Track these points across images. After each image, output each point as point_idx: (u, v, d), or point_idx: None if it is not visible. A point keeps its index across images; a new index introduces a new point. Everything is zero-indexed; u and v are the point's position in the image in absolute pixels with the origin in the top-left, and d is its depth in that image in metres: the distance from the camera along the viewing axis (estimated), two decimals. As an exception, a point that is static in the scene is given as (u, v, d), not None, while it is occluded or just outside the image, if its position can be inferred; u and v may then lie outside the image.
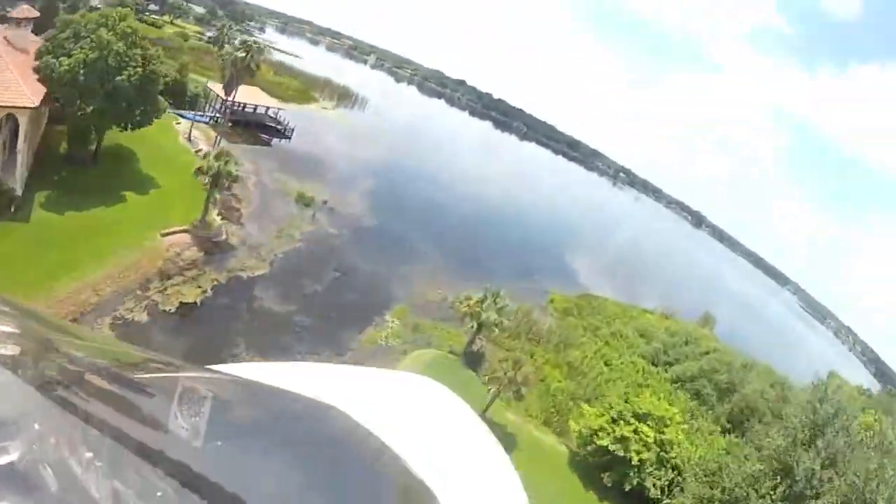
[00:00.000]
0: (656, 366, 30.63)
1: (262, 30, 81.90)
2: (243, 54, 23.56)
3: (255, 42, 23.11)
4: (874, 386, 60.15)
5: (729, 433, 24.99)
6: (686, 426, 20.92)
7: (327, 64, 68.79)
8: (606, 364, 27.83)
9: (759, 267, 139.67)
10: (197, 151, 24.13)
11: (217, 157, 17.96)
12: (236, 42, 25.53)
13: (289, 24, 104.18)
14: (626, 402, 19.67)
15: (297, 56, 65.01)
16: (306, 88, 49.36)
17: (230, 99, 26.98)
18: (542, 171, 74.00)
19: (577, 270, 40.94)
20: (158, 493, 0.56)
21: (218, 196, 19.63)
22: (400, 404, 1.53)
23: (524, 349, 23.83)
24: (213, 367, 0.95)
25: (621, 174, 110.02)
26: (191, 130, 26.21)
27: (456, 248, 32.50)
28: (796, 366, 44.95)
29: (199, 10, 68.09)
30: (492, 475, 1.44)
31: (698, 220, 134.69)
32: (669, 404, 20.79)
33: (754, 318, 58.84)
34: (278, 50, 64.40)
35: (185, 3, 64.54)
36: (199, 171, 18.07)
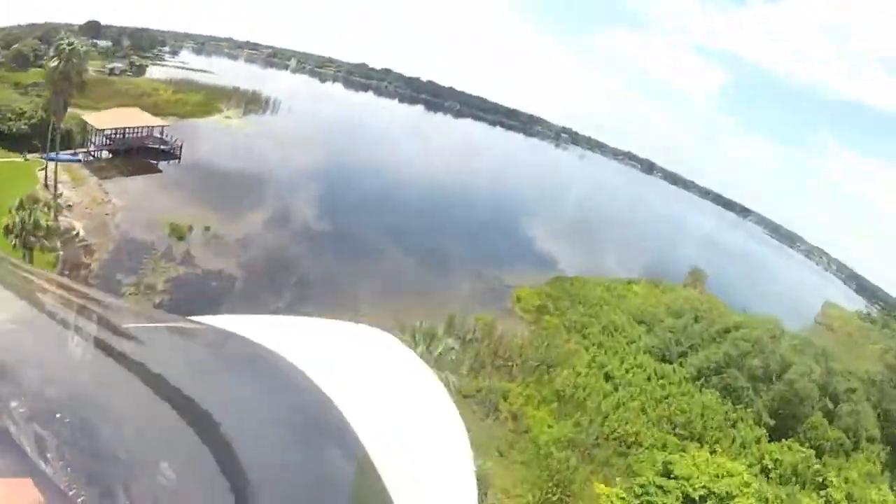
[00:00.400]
0: (670, 362, 24.26)
1: (174, 53, 78.65)
2: (56, 63, 19.32)
3: (69, 45, 19.27)
4: (856, 302, 61.12)
5: (775, 435, 20.29)
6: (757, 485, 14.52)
7: (243, 74, 65.79)
8: (608, 378, 21.72)
9: (718, 203, 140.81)
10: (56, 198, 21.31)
11: (20, 208, 14.81)
12: (50, 52, 20.79)
13: (205, 44, 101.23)
14: (666, 475, 13.86)
15: (207, 71, 62.43)
16: (209, 101, 46.96)
17: (59, 125, 22.84)
18: (480, 146, 72.86)
19: (540, 248, 37.03)
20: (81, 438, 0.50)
21: (61, 253, 16.64)
22: (346, 353, 1.45)
23: (492, 388, 17.79)
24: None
25: (563, 135, 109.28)
26: (55, 174, 22.87)
27: (411, 245, 28.80)
28: (788, 301, 44.71)
29: (105, 43, 64.65)
30: (435, 428, 1.31)
31: (649, 167, 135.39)
32: (731, 458, 15.94)
33: (731, 259, 57.98)
34: (185, 68, 62.08)
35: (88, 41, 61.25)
36: (7, 230, 14.74)
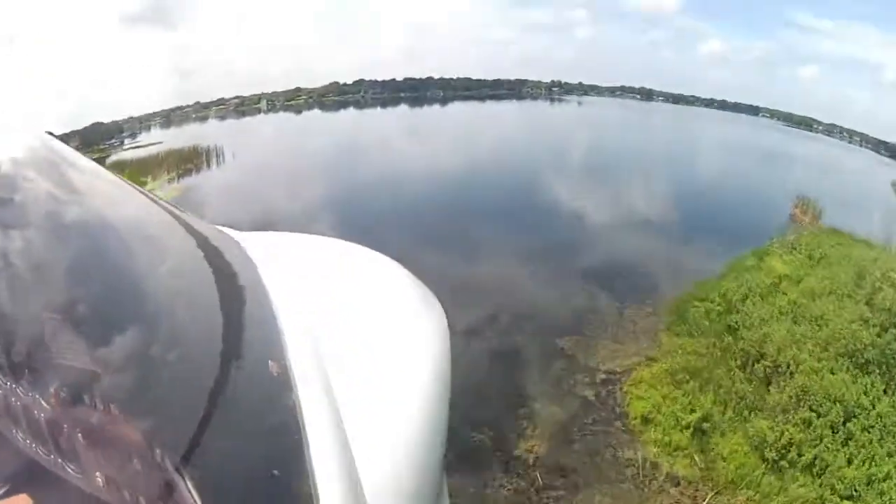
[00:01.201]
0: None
1: (133, 136, 75.38)
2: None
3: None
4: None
5: None
6: None
7: (208, 131, 60.37)
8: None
9: (725, 109, 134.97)
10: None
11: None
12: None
13: (170, 115, 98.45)
14: None
15: (155, 143, 56.65)
16: (134, 176, 41.61)
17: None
18: (481, 122, 68.93)
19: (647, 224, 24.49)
20: None
21: None
22: (320, 263, 1.62)
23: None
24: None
25: (554, 89, 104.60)
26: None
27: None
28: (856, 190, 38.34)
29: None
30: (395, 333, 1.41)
31: (648, 94, 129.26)
32: None
33: (776, 159, 52.93)
34: (134, 146, 57.99)
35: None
36: None
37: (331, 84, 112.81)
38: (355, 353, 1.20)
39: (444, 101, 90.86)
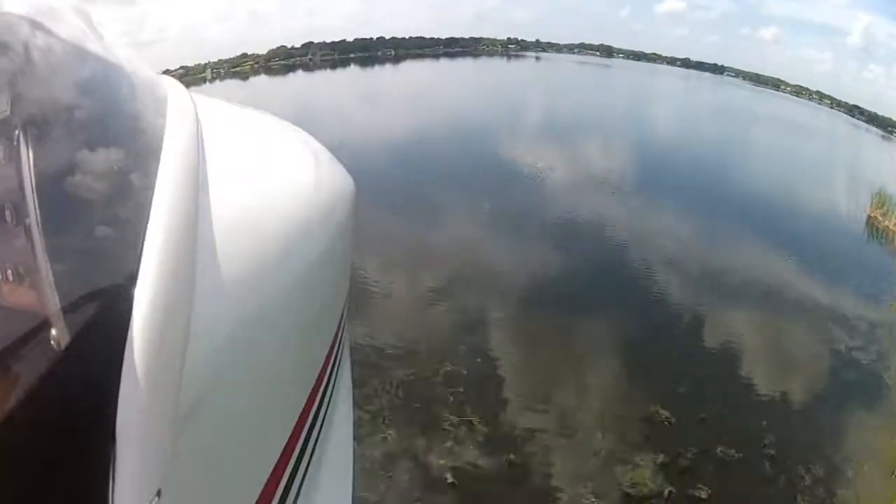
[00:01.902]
0: None
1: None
2: None
3: None
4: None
5: None
6: None
7: None
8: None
9: (688, 67, 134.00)
10: None
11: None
12: None
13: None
14: None
15: None
16: None
17: None
18: (432, 81, 65.40)
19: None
20: None
21: None
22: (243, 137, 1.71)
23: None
24: None
25: (510, 46, 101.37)
26: None
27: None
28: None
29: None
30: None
31: (608, 52, 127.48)
32: None
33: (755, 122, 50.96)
34: None
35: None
36: None
37: (278, 48, 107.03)
38: (241, 197, 1.22)
39: (395, 61, 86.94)
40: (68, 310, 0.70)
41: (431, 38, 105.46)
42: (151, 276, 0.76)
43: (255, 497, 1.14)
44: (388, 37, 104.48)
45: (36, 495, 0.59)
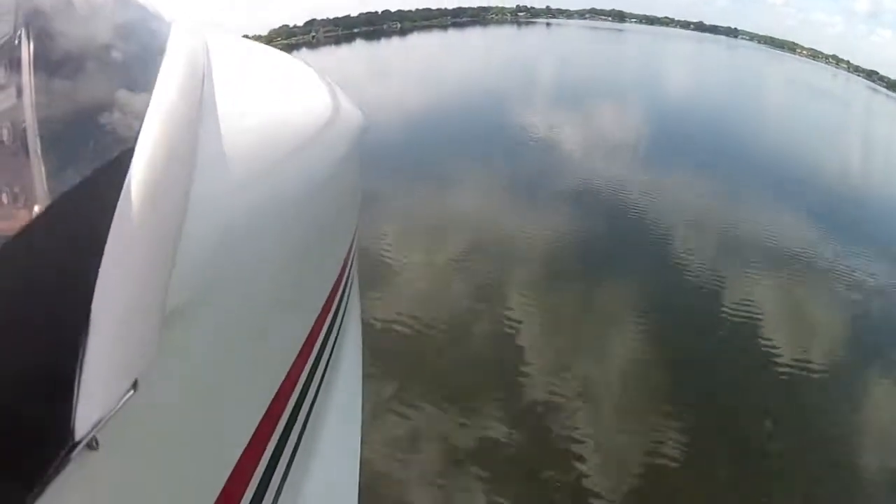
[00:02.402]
0: None
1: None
2: None
3: None
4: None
5: None
6: None
7: None
8: None
9: (702, 31, 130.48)
10: None
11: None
12: None
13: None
14: None
15: None
16: None
17: None
18: (437, 54, 62.99)
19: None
20: None
21: None
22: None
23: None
24: None
25: (519, 13, 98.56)
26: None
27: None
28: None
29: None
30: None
31: (620, 16, 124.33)
32: None
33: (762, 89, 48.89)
34: None
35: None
36: None
37: (280, 27, 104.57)
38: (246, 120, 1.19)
39: (402, 34, 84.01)
40: (55, 193, 0.69)
41: (438, 9, 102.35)
42: (146, 153, 0.75)
43: (260, 414, 1.07)
44: (393, 10, 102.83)
45: (9, 358, 0.57)
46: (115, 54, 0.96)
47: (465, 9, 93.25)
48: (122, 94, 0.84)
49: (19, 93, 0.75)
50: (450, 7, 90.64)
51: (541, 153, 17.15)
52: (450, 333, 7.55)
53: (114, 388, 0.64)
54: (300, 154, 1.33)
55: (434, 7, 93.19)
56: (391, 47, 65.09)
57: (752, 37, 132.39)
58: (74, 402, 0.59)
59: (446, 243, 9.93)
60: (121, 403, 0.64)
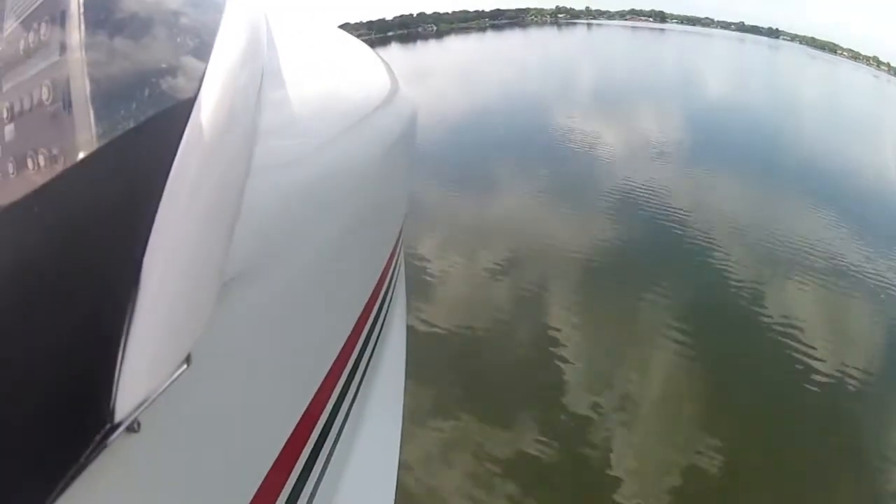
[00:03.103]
0: None
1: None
2: None
3: None
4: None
5: None
6: None
7: None
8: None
9: (744, 31, 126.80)
10: None
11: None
12: None
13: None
14: None
15: None
16: None
17: None
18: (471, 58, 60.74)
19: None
20: None
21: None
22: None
23: None
24: None
25: (559, 15, 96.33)
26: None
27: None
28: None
29: None
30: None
31: (661, 17, 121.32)
32: None
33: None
34: None
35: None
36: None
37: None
38: (303, 99, 1.16)
39: (438, 36, 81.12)
40: (107, 147, 0.67)
41: (476, 11, 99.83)
42: (205, 119, 0.72)
43: (310, 393, 1.07)
44: (429, 12, 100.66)
45: (45, 328, 0.54)
46: (172, 16, 0.88)
47: (503, 10, 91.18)
48: (179, 57, 0.80)
49: (65, 49, 0.71)
50: (487, 9, 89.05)
51: (582, 156, 16.17)
52: (487, 340, 7.32)
53: (163, 365, 0.60)
54: (360, 131, 1.31)
55: (471, 9, 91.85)
56: (428, 50, 62.48)
57: (793, 37, 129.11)
58: (117, 378, 0.55)
59: (480, 251, 9.56)
60: (169, 382, 0.60)
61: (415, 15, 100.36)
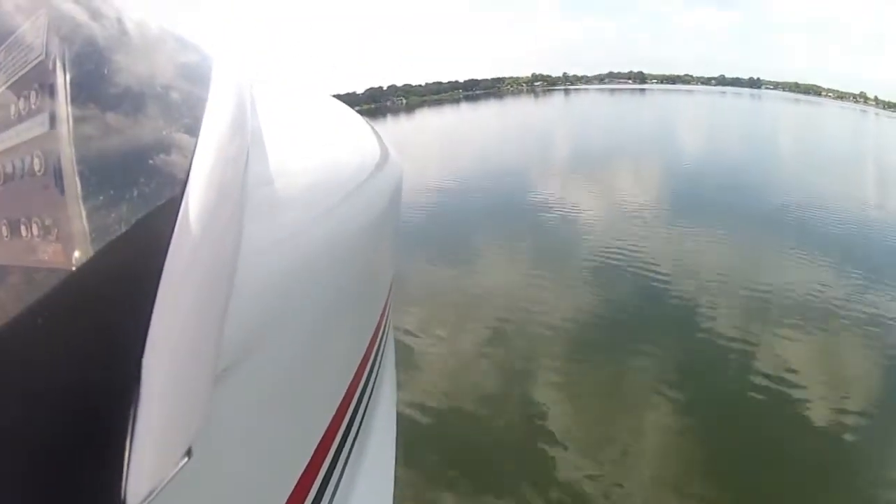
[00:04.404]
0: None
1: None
2: None
3: None
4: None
5: None
6: None
7: None
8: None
9: (724, 84, 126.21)
10: None
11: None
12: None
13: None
14: None
15: None
16: None
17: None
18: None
19: None
20: None
21: None
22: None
23: None
24: None
25: (536, 83, 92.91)
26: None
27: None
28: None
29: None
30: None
31: (640, 78, 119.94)
32: None
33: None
34: None
35: None
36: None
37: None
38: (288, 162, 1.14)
39: (409, 109, 76.29)
40: (98, 247, 0.65)
41: (449, 82, 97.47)
42: (194, 212, 0.72)
43: (300, 468, 1.09)
44: (400, 84, 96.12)
45: (52, 431, 0.56)
46: (158, 88, 0.85)
47: (477, 80, 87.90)
48: (167, 134, 0.78)
49: (53, 121, 0.69)
50: (461, 79, 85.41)
51: (561, 221, 15.87)
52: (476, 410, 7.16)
53: (167, 457, 0.61)
54: (351, 200, 1.28)
55: (445, 80, 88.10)
56: (397, 126, 56.40)
57: (776, 84, 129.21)
58: (125, 472, 0.56)
59: (463, 321, 9.37)
60: (172, 475, 0.61)
61: (385, 88, 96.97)
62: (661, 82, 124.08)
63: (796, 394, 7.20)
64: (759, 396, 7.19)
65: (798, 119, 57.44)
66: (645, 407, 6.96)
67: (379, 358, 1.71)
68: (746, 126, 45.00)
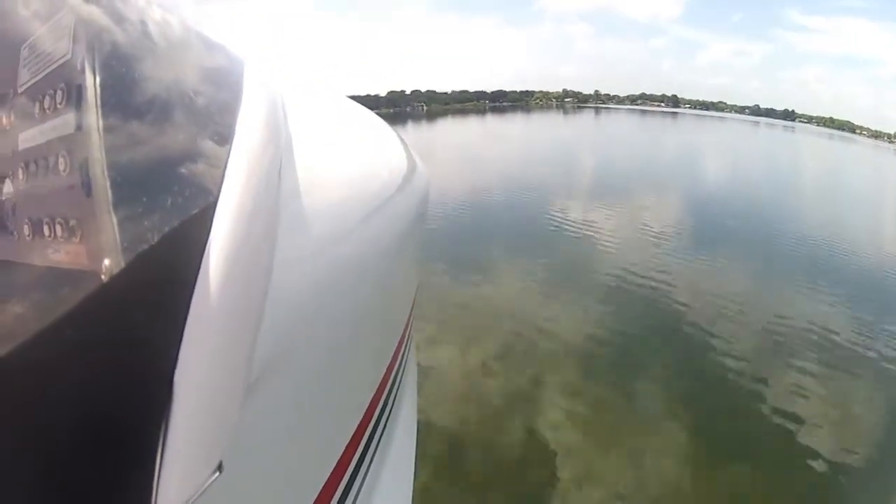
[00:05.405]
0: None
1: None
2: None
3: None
4: None
5: None
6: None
7: None
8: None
9: (758, 115, 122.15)
10: None
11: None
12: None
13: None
14: None
15: None
16: None
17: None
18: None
19: None
20: None
21: None
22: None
23: None
24: None
25: (566, 100, 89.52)
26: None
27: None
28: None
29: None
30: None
31: (674, 102, 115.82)
32: None
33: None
34: None
35: None
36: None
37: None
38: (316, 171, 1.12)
39: (429, 117, 73.02)
40: (131, 257, 0.64)
41: (476, 92, 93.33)
42: (228, 223, 0.71)
43: (323, 479, 1.11)
44: (423, 89, 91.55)
45: (81, 445, 0.55)
46: (190, 93, 0.83)
47: (505, 92, 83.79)
48: (199, 141, 0.77)
49: (80, 122, 0.66)
50: (489, 90, 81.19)
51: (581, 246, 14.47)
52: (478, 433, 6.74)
53: (198, 472, 0.61)
54: (381, 212, 1.28)
55: (472, 89, 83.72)
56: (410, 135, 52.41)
57: (810, 118, 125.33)
58: (155, 488, 0.57)
59: (472, 341, 8.83)
60: (202, 490, 0.61)
61: (408, 92, 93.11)
62: (694, 107, 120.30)
63: (807, 429, 7.22)
64: (769, 427, 7.13)
65: (835, 154, 55.35)
66: (652, 433, 6.82)
67: (402, 367, 1.68)
68: (783, 161, 42.37)
